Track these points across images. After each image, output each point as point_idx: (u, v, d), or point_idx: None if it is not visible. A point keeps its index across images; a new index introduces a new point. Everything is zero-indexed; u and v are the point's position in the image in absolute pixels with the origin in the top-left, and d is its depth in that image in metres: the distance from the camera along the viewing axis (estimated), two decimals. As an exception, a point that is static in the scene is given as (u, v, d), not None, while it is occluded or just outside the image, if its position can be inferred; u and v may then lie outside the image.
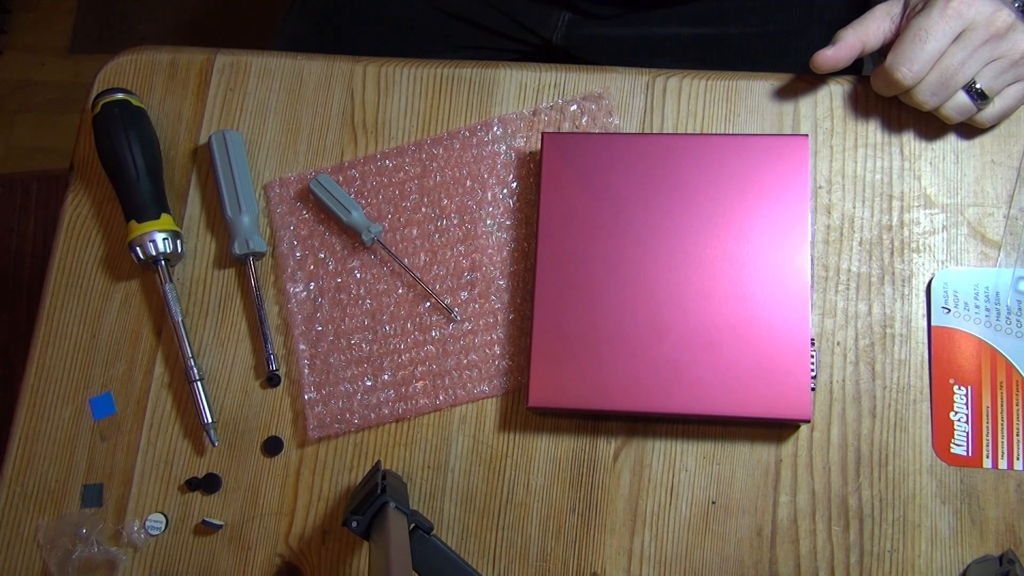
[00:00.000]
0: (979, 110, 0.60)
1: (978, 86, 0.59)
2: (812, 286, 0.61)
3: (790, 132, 0.65)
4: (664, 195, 0.61)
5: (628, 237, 0.61)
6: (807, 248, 0.59)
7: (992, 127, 0.63)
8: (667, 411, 0.58)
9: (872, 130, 0.65)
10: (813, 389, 0.58)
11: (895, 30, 0.61)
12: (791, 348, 0.57)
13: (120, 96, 0.67)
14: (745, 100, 0.66)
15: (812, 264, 0.62)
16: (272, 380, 0.65)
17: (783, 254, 0.59)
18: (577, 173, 0.62)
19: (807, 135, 0.61)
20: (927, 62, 0.58)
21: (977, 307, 0.61)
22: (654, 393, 0.58)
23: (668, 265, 0.60)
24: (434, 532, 0.59)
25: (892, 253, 0.62)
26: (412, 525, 0.56)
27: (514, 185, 0.66)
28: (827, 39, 0.61)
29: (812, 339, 0.59)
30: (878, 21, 0.62)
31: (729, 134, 0.63)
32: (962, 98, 0.60)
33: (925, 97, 0.60)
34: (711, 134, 0.63)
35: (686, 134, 0.64)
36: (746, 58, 0.80)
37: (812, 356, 0.58)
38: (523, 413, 0.62)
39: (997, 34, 0.58)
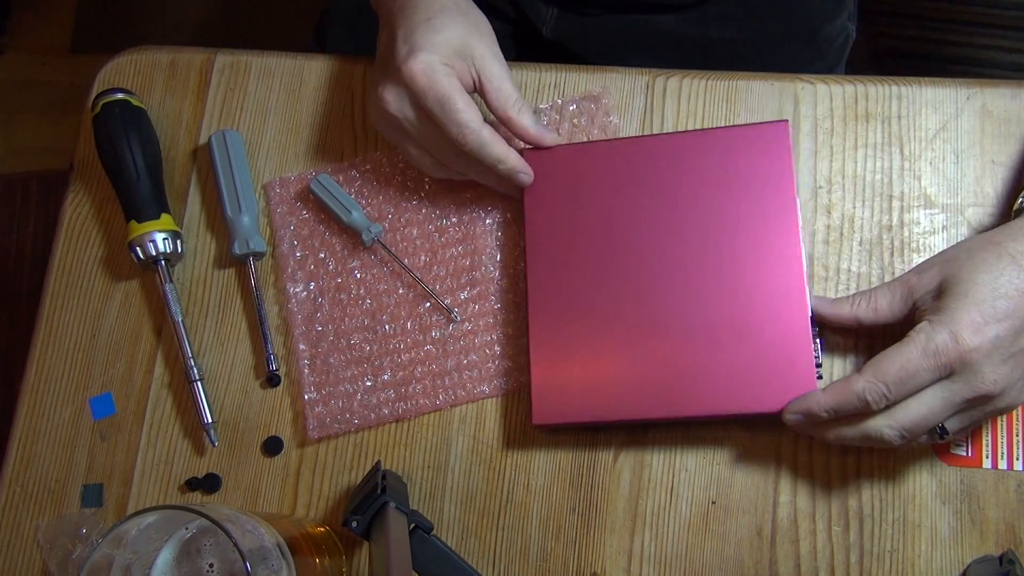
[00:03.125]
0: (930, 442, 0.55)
1: (945, 426, 0.53)
2: (809, 274, 0.60)
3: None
4: (648, 197, 0.61)
5: (615, 245, 0.60)
6: (798, 234, 0.58)
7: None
8: (672, 416, 0.57)
9: (872, 130, 0.65)
10: (820, 378, 0.57)
11: (904, 313, 0.56)
12: (792, 339, 0.57)
13: (120, 96, 0.67)
14: (745, 100, 0.66)
15: (806, 251, 0.61)
16: (272, 380, 0.65)
17: (774, 244, 0.58)
18: (559, 187, 0.62)
19: (786, 120, 0.61)
20: (919, 426, 0.52)
21: (977, 307, 0.61)
22: (658, 398, 0.57)
23: (660, 268, 0.59)
24: (434, 532, 0.59)
25: (892, 253, 0.62)
26: (412, 525, 0.56)
27: (514, 185, 0.66)
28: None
29: (817, 328, 0.58)
30: (890, 300, 0.56)
31: (707, 129, 0.62)
32: (923, 438, 0.54)
33: (893, 438, 0.52)
34: (689, 131, 0.63)
35: (663, 134, 0.64)
36: (733, 60, 0.80)
37: (816, 345, 0.57)
38: (523, 413, 0.62)
39: (987, 397, 0.51)
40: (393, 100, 0.60)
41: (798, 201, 0.59)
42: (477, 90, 0.61)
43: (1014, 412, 0.59)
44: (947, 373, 0.51)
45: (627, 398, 0.58)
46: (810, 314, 0.57)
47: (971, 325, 0.50)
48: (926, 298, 0.54)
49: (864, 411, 0.52)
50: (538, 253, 0.61)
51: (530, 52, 0.85)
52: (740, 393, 0.57)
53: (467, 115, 0.58)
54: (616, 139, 0.64)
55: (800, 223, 0.58)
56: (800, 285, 0.58)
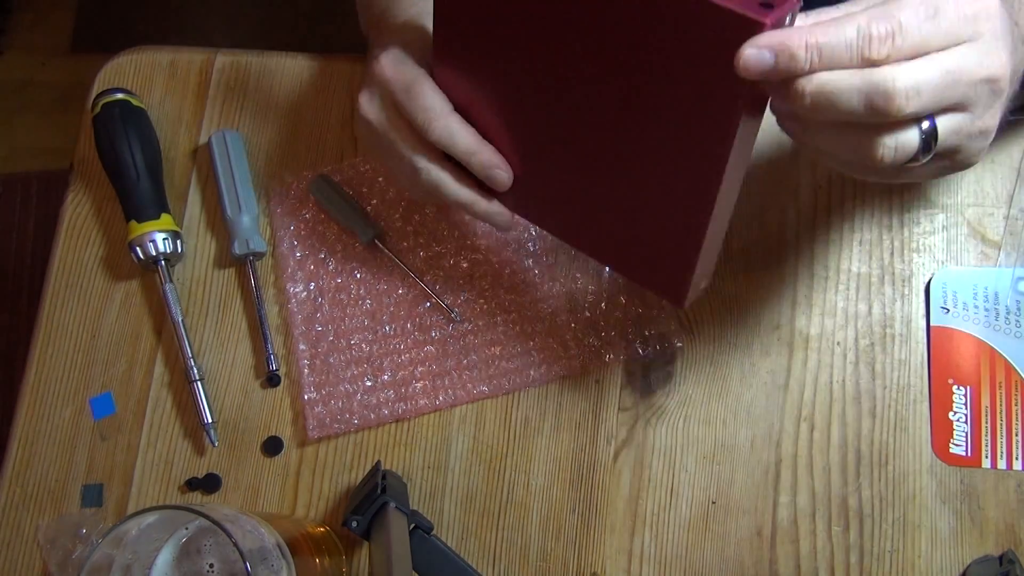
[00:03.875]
0: (909, 166, 0.41)
1: (936, 127, 0.40)
2: None
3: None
4: (551, 60, 0.48)
5: (541, 115, 0.51)
6: None
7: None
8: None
9: (872, 130, 0.65)
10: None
11: None
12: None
13: (120, 96, 0.67)
14: (745, 100, 0.66)
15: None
16: (272, 380, 0.65)
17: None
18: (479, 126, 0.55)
19: None
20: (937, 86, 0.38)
21: (976, 307, 0.61)
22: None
23: (589, 121, 0.49)
24: (434, 532, 0.59)
25: (892, 253, 0.62)
26: (412, 525, 0.57)
27: (514, 185, 0.66)
28: None
29: None
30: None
31: None
32: (915, 141, 0.39)
33: (903, 94, 0.38)
34: None
35: None
36: None
37: None
38: (523, 413, 0.62)
39: (994, 81, 0.40)
40: (365, 103, 0.55)
41: None
42: None
43: (1013, 412, 0.59)
44: (967, 35, 0.39)
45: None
46: None
47: None
48: None
49: (860, 63, 0.38)
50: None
51: None
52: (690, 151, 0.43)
53: (433, 100, 0.52)
54: None
55: None
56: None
